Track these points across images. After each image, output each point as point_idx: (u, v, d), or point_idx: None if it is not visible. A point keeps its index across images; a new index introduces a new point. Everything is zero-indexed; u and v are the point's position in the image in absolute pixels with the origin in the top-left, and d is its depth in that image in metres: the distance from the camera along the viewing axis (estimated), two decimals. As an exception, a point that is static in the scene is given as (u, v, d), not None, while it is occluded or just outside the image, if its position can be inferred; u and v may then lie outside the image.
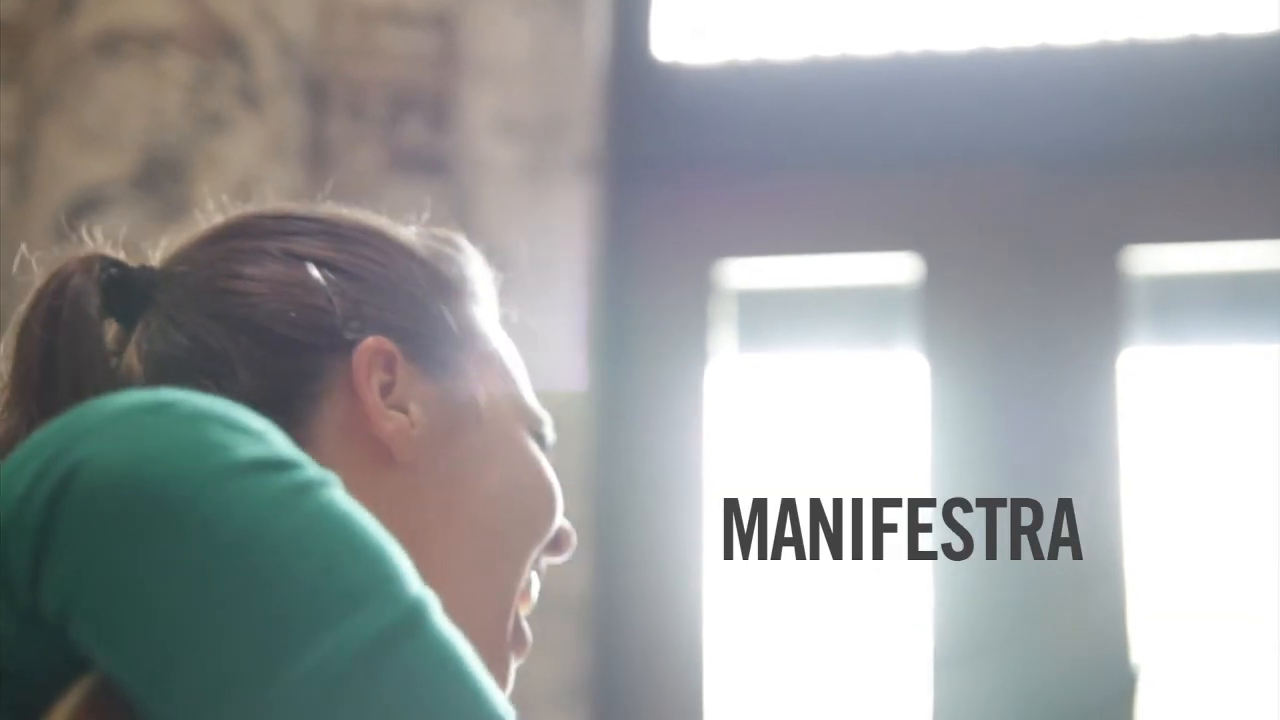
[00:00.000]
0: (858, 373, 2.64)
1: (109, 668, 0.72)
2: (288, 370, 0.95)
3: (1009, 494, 2.45)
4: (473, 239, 2.65)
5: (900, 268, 2.59)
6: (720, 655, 2.49)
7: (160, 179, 2.44)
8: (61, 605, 0.73)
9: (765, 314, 2.65)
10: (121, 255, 0.99)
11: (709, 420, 2.57)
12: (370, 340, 0.96)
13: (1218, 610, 2.48)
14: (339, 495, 0.76)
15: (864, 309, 2.64)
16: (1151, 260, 2.54)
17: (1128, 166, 2.54)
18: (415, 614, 0.74)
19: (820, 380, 2.64)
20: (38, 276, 0.98)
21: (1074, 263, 2.53)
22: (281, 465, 0.75)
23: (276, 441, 0.77)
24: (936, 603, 2.44)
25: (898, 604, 2.50)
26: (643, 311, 2.60)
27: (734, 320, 2.62)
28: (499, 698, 0.75)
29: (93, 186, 2.44)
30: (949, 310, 2.55)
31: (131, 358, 0.95)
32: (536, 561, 1.00)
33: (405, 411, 0.96)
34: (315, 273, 0.97)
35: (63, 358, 0.93)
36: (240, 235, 0.99)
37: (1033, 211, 2.55)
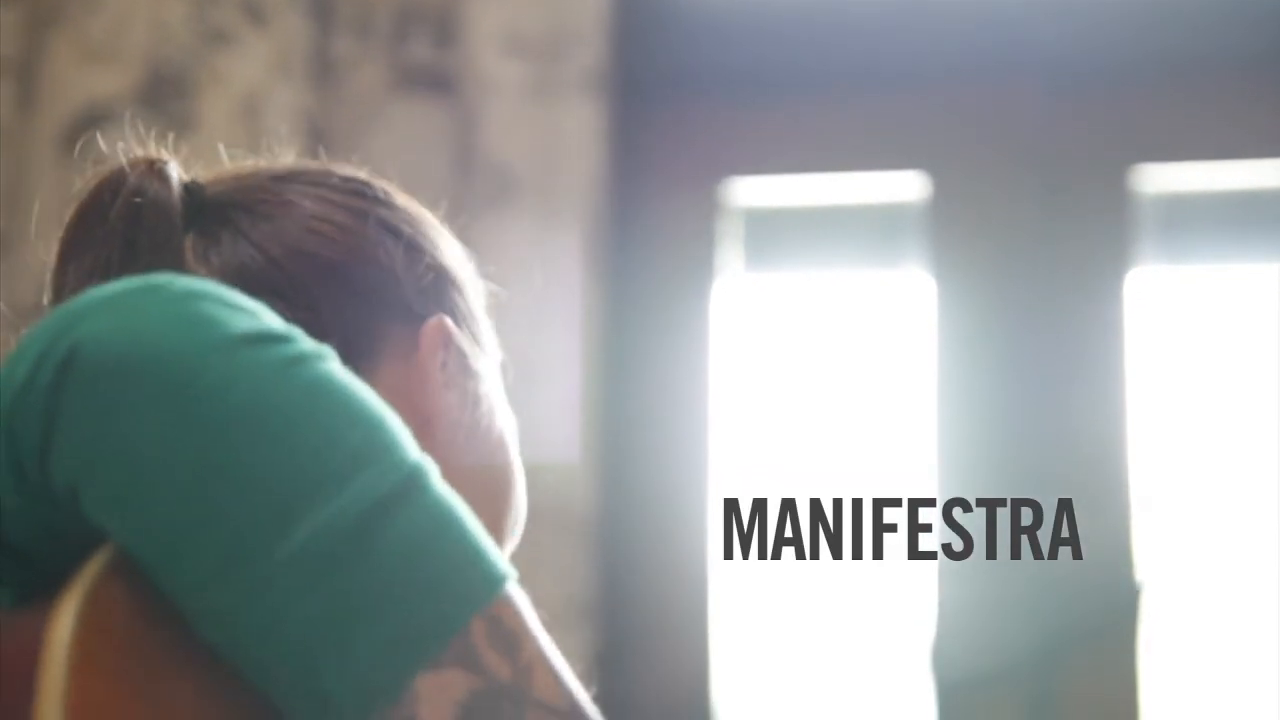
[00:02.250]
0: (864, 291, 2.64)
1: (120, 539, 0.73)
2: (362, 324, 0.98)
3: (1016, 411, 2.45)
4: (478, 157, 2.65)
5: (908, 186, 2.59)
6: (726, 573, 2.50)
7: (165, 94, 2.43)
8: (70, 481, 0.74)
9: (772, 232, 2.65)
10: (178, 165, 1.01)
11: (715, 339, 2.57)
12: (438, 318, 1.01)
13: (1224, 530, 2.48)
14: (335, 367, 0.78)
15: (871, 227, 2.64)
16: (1161, 178, 2.53)
17: (1137, 83, 2.52)
18: (416, 477, 0.76)
19: (827, 298, 2.64)
20: (93, 174, 1.00)
21: (1082, 180, 2.52)
22: (277, 338, 0.77)
23: (270, 317, 0.78)
24: (941, 500, 2.45)
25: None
26: (649, 229, 2.59)
27: (741, 239, 2.62)
28: (501, 556, 0.77)
29: (97, 101, 2.43)
30: (956, 228, 2.54)
31: (193, 268, 0.97)
32: None
33: (451, 393, 1.00)
34: (391, 240, 1.01)
35: (143, 258, 0.95)
36: (311, 184, 1.03)
37: (1041, 129, 2.54)
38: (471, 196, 2.48)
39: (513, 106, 2.52)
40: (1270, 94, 2.48)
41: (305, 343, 0.78)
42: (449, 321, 1.00)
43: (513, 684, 0.75)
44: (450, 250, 1.06)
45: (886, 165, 2.60)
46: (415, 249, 1.02)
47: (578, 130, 2.52)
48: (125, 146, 1.03)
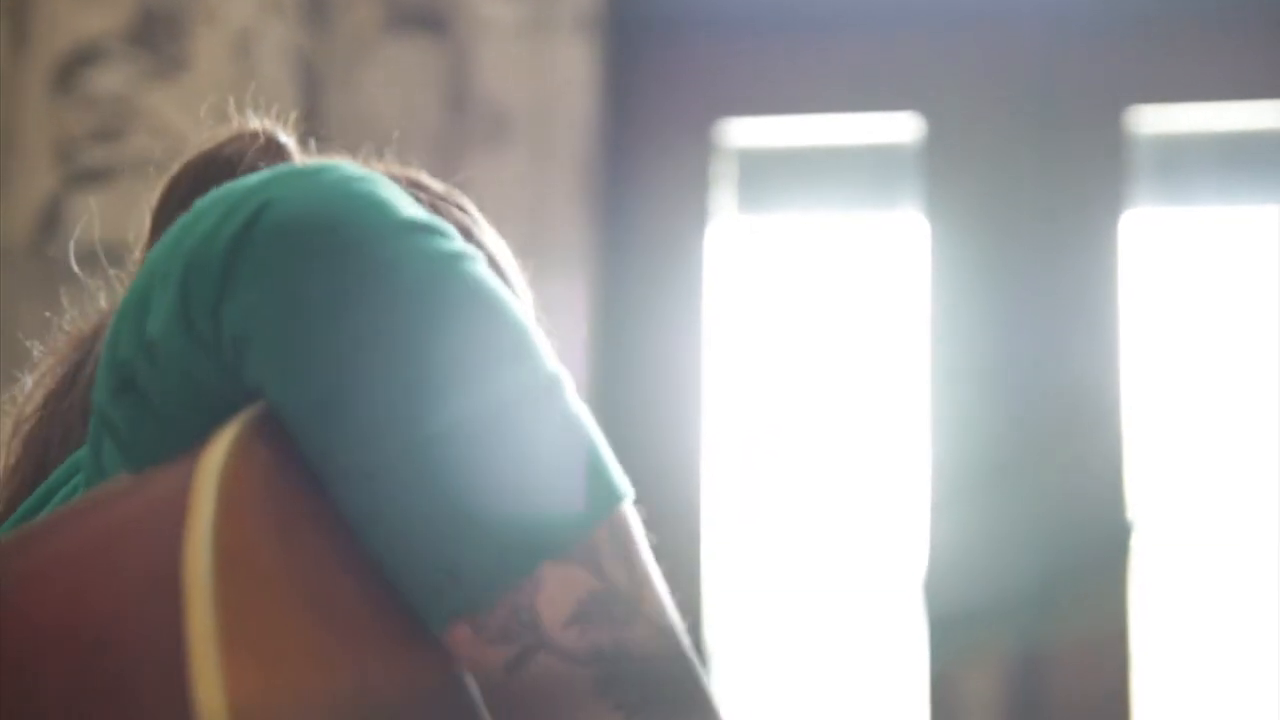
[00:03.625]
0: (859, 233, 2.64)
1: (279, 397, 0.75)
2: None
3: (1010, 351, 2.46)
4: (471, 97, 2.65)
5: (902, 127, 2.58)
6: (719, 514, 2.51)
7: (156, 33, 2.42)
8: (240, 333, 0.76)
9: (766, 174, 2.64)
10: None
11: (709, 280, 2.56)
12: None
13: (1217, 472, 2.49)
14: (488, 269, 0.80)
15: (865, 168, 2.63)
16: (1156, 119, 2.53)
17: (1133, 24, 2.52)
18: (558, 383, 0.78)
19: (821, 240, 2.64)
20: (212, 134, 1.04)
21: (1078, 122, 2.51)
22: (440, 231, 0.79)
23: (426, 212, 0.81)
24: (934, 441, 2.46)
25: (896, 442, 2.52)
26: (643, 171, 2.59)
27: (735, 180, 2.61)
28: (621, 472, 0.80)
29: (89, 40, 2.42)
30: (951, 170, 2.54)
31: None
32: None
33: None
34: (488, 261, 1.06)
35: None
36: (416, 186, 1.06)
37: (1036, 70, 2.53)
38: (464, 136, 2.48)
39: (506, 46, 2.51)
40: (1266, 35, 2.48)
41: (461, 242, 0.80)
42: None
43: (628, 593, 0.78)
44: (520, 281, 1.10)
45: (881, 106, 2.59)
46: (504, 276, 1.06)
47: (571, 71, 2.51)
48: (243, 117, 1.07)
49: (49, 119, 2.40)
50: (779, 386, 2.60)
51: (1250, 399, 2.49)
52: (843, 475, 2.56)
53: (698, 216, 2.58)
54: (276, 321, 0.75)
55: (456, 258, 0.78)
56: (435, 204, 1.06)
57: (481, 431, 0.75)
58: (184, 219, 0.81)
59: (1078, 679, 2.40)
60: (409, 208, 0.79)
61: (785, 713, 2.53)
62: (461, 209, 1.08)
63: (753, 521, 2.56)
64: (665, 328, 2.56)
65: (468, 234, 1.06)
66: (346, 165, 0.82)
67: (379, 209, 0.78)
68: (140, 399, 0.79)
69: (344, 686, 0.71)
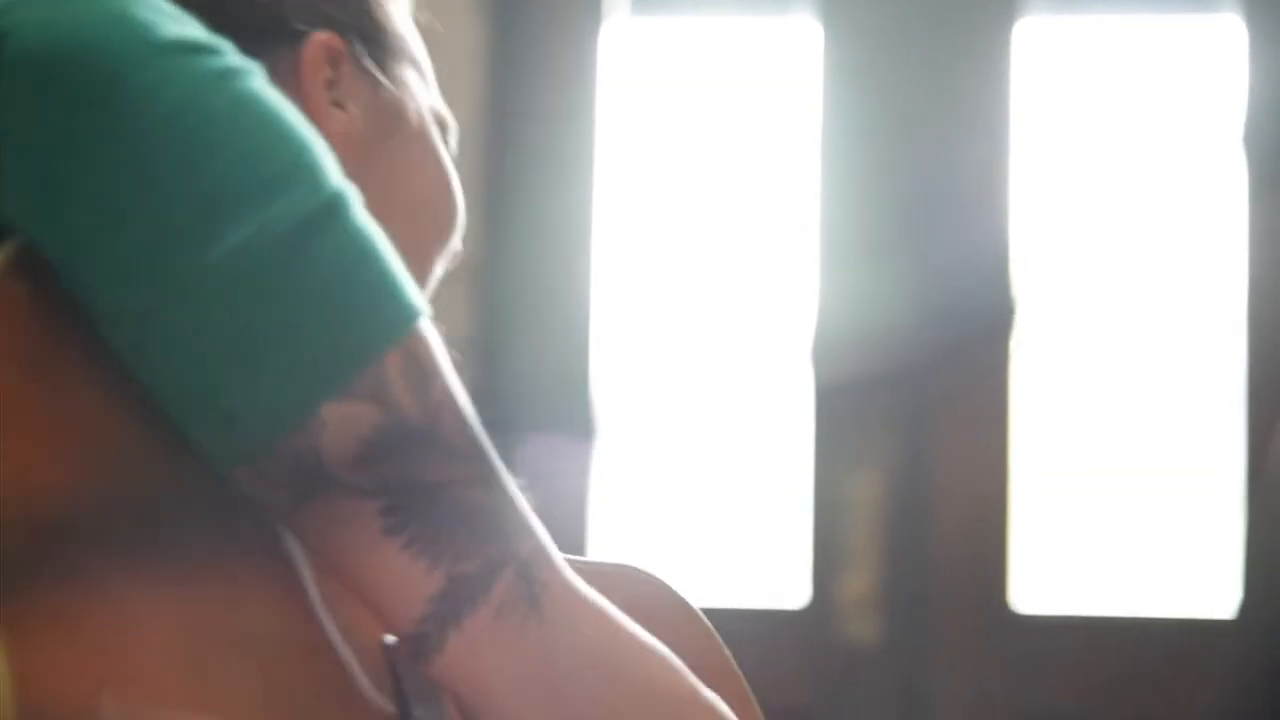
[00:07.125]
0: (753, 37, 2.62)
1: (35, 232, 0.72)
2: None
3: (899, 154, 2.47)
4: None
5: (797, -71, 2.55)
6: (610, 318, 2.52)
7: None
8: None
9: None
10: None
11: (601, 85, 2.54)
12: (320, 34, 0.95)
13: (1100, 263, 2.54)
14: (264, 84, 0.76)
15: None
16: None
17: None
18: (339, 202, 0.74)
19: (715, 44, 2.62)
20: None
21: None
22: (208, 49, 0.75)
23: (198, 28, 0.76)
24: (822, 227, 2.48)
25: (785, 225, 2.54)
26: (535, -30, 2.55)
27: (628, -20, 2.58)
28: (418, 291, 0.76)
29: None
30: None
31: None
32: None
33: (345, 110, 0.95)
34: None
35: None
36: None
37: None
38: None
39: None
40: None
41: (235, 57, 0.76)
42: (334, 37, 0.95)
43: (419, 422, 0.75)
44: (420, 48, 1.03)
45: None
46: (412, 50, 1.00)
47: None
48: None
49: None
50: (671, 184, 2.59)
51: (1134, 200, 2.53)
52: (733, 268, 2.57)
53: (591, 18, 2.55)
54: (26, 161, 0.71)
55: (224, 75, 0.74)
56: None
57: (253, 265, 0.71)
58: None
59: (958, 478, 2.45)
60: (174, 26, 0.75)
61: (673, 493, 2.57)
62: None
63: (643, 315, 2.57)
64: (557, 129, 2.54)
65: None
66: None
67: (135, 30, 0.73)
68: None
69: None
